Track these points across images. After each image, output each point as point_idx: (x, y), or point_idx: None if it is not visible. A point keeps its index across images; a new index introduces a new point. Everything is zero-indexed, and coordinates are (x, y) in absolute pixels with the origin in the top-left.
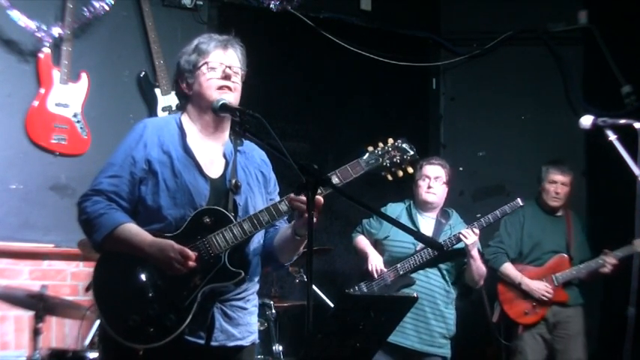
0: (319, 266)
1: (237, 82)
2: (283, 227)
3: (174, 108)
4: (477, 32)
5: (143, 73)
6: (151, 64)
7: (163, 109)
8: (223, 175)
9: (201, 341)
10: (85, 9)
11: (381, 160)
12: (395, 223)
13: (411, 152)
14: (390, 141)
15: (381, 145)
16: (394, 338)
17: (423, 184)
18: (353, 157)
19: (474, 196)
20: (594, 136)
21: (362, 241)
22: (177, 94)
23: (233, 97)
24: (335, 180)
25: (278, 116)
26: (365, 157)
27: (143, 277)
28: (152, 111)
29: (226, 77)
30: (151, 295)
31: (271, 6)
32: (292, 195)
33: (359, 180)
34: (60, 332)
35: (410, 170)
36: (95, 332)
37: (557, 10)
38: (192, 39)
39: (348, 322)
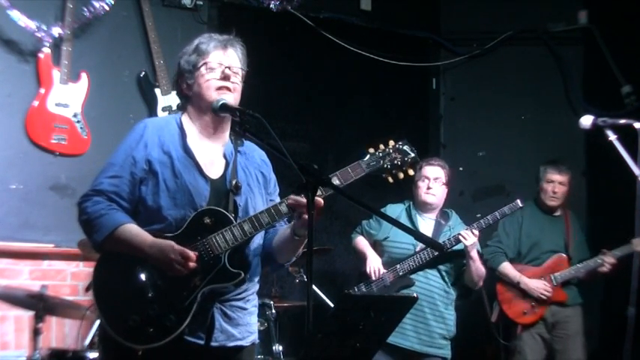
0: (319, 266)
1: (236, 83)
2: (282, 228)
3: (174, 108)
4: (477, 32)
5: (143, 73)
6: (151, 64)
7: (163, 109)
8: (223, 176)
9: (201, 341)
10: (85, 9)
11: (381, 162)
12: (395, 223)
13: (412, 154)
14: (391, 143)
15: (381, 146)
16: (394, 339)
17: (422, 185)
18: (353, 157)
19: (474, 197)
20: (594, 136)
21: (361, 243)
22: (178, 94)
23: (232, 98)
24: (335, 181)
25: (278, 116)
26: (366, 159)
27: (143, 277)
28: (152, 111)
29: (225, 78)
30: (150, 295)
31: (271, 6)
32: (292, 196)
33: (359, 180)
34: (60, 332)
35: (411, 172)
36: (95, 332)
37: (557, 10)
38: (193, 39)
39: (348, 322)
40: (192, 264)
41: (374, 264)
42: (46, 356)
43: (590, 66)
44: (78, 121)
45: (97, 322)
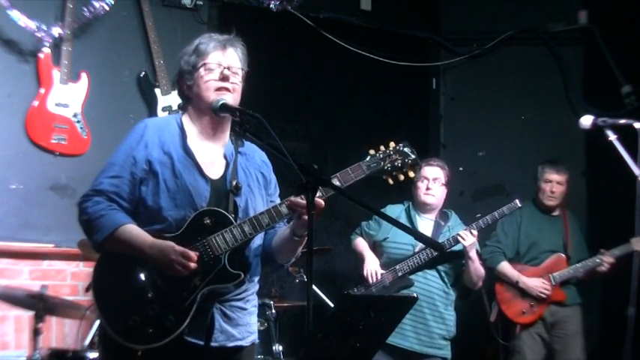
0: (319, 266)
1: (236, 83)
2: (282, 228)
3: (174, 108)
4: (477, 32)
5: (143, 73)
6: (151, 64)
7: (163, 109)
8: (224, 176)
9: (201, 342)
10: (85, 9)
11: (382, 163)
12: (395, 223)
13: (413, 156)
14: (392, 144)
15: (382, 148)
16: (393, 339)
17: (421, 186)
18: (353, 157)
19: (473, 196)
20: (594, 136)
21: (360, 244)
22: (179, 95)
23: (231, 98)
24: (336, 183)
25: (278, 116)
26: (366, 161)
27: (143, 277)
28: (152, 111)
29: (224, 79)
30: (150, 295)
31: (271, 6)
32: (292, 197)
33: (359, 181)
34: (60, 332)
35: (411, 174)
36: (95, 332)
37: (557, 10)
38: (193, 39)
39: (348, 322)
40: (193, 265)
41: (371, 267)
42: (46, 356)
43: (590, 66)
44: (78, 121)
45: (97, 322)
